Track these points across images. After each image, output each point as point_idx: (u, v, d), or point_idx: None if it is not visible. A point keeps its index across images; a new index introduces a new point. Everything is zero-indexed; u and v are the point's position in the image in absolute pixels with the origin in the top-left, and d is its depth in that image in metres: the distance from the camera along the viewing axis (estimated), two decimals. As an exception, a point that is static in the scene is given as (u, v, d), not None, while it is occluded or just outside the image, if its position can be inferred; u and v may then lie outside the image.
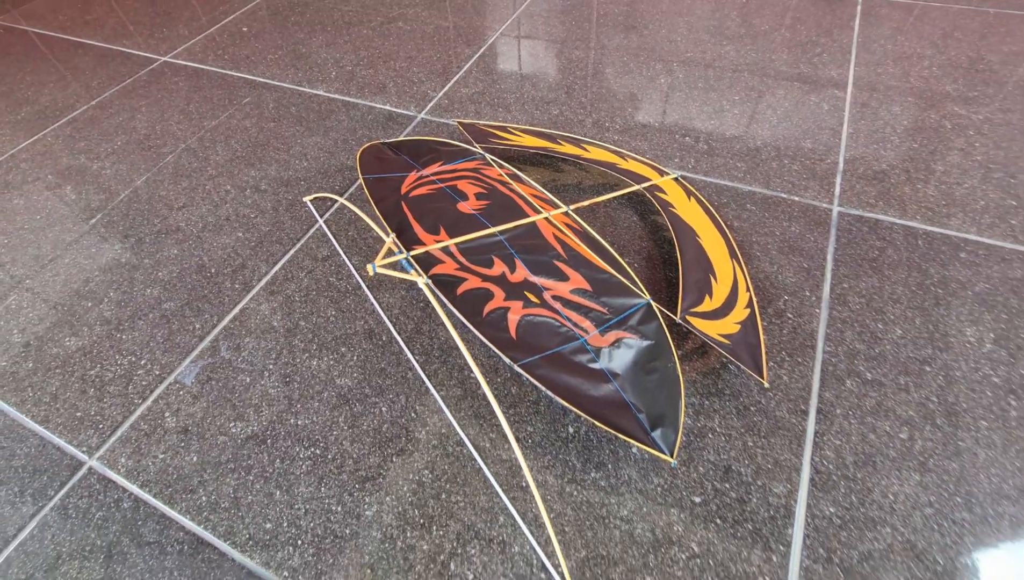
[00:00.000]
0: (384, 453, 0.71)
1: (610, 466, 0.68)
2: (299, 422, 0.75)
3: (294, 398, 0.77)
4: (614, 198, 1.00)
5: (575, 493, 0.66)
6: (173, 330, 0.87)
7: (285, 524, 0.66)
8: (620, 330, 0.70)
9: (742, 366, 0.70)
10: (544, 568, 0.60)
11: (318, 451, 0.72)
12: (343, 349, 0.82)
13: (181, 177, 1.14)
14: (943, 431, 0.68)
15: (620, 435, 0.59)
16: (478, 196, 0.90)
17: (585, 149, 1.07)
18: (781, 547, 0.61)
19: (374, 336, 0.83)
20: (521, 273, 0.77)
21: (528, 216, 0.86)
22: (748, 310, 0.77)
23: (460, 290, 0.71)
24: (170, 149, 1.21)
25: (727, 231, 0.91)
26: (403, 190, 0.91)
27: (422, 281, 0.69)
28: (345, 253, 0.95)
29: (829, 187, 0.99)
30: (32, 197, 1.13)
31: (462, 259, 0.77)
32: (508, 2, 1.65)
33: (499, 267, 0.76)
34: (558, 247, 0.82)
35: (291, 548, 0.64)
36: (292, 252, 0.97)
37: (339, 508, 0.67)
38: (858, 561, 0.59)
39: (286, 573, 0.62)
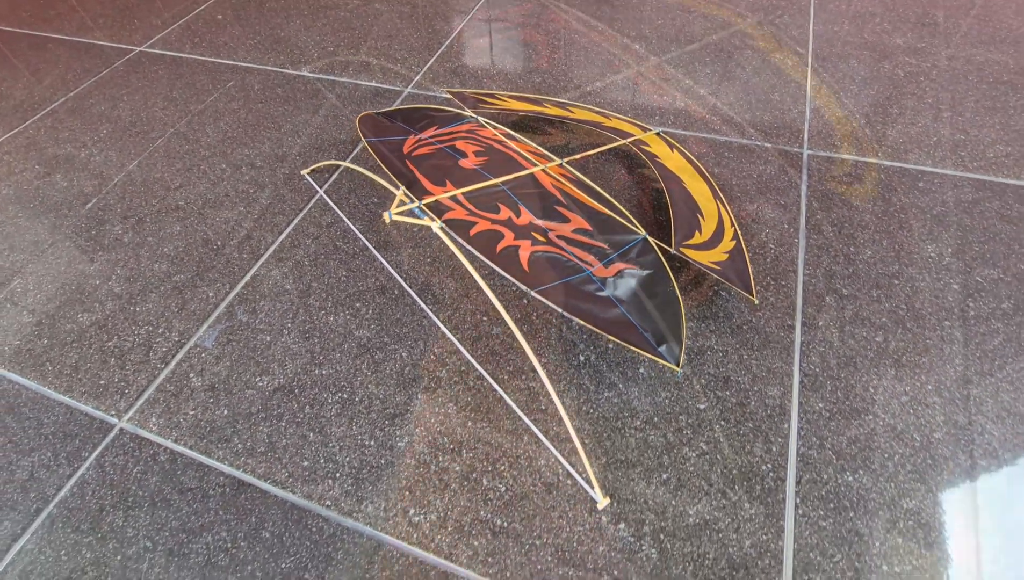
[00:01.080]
0: (409, 392, 0.75)
1: (621, 386, 0.74)
2: (323, 372, 0.78)
3: (316, 351, 0.81)
4: (603, 152, 1.06)
5: (591, 411, 0.72)
6: (186, 300, 0.89)
7: (322, 461, 0.70)
8: (621, 262, 0.76)
9: (733, 287, 0.77)
10: (570, 475, 0.66)
11: (345, 395, 0.76)
12: (358, 305, 0.86)
13: (174, 159, 1.15)
14: (912, 332, 0.76)
15: (632, 348, 0.65)
16: (477, 153, 0.94)
17: (570, 111, 1.13)
18: (779, 439, 0.68)
19: (386, 291, 0.87)
20: (526, 217, 0.82)
21: (526, 169, 0.91)
22: (734, 242, 0.84)
23: (472, 232, 0.75)
24: (158, 134, 1.22)
25: (709, 177, 0.97)
26: (405, 151, 0.95)
27: (437, 225, 0.73)
28: (348, 218, 0.98)
29: (798, 133, 1.07)
30: (22, 187, 1.12)
31: (470, 206, 0.82)
32: (481, -19, 1.69)
33: (505, 212, 0.81)
34: (557, 194, 0.87)
35: (330, 481, 0.68)
36: (296, 221, 1.00)
37: (372, 442, 0.71)
38: (847, 444, 0.67)
39: (328, 502, 0.66)
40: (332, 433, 0.72)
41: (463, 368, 0.77)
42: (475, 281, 0.87)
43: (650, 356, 0.64)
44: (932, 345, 0.75)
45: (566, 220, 0.82)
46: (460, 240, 0.72)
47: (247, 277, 0.91)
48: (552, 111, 1.12)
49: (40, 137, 1.24)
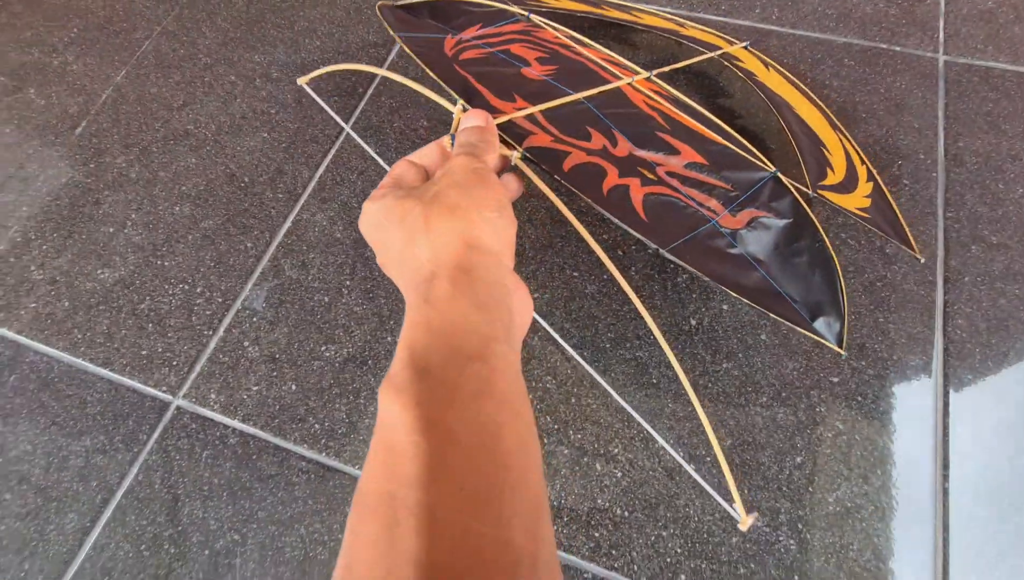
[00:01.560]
0: (499, 363, 0.67)
1: (740, 355, 0.65)
2: (396, 339, 0.69)
3: (383, 314, 0.71)
4: (692, 64, 0.88)
5: (709, 385, 0.64)
6: (222, 252, 0.77)
7: (412, 444, 0.63)
8: (752, 208, 0.63)
9: (892, 240, 0.65)
10: (694, 459, 0.60)
11: (426, 367, 0.67)
12: (424, 257, 0.74)
13: (170, 69, 0.95)
14: (1073, 289, 0.67)
15: (785, 322, 0.55)
16: (541, 60, 0.75)
17: (636, 15, 0.91)
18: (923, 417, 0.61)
19: (455, 240, 0.75)
20: (624, 146, 0.66)
21: (609, 82, 0.73)
22: (871, 183, 0.71)
23: (567, 166, 0.59)
24: (144, 34, 1.00)
25: (818, 101, 0.81)
26: (449, 54, 0.74)
27: (516, 155, 0.55)
28: (393, 150, 0.83)
29: (932, 32, 0.88)
30: (-10, 106, 0.93)
31: (553, 129, 0.63)
32: None
33: (599, 139, 0.65)
34: (656, 116, 0.71)
35: (425, 466, 0.61)
36: (334, 151, 0.84)
37: (466, 422, 0.64)
38: (997, 424, 0.60)
39: (427, 490, 0.60)
40: (419, 412, 0.64)
41: (552, 348, 0.68)
42: (557, 229, 0.75)
43: (805, 332, 0.55)
44: (1095, 305, 0.66)
45: (675, 151, 0.67)
46: (555, 175, 0.56)
47: (287, 223, 0.78)
48: (613, 14, 0.90)
49: (-2, 39, 1.01)
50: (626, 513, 0.58)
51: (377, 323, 0.70)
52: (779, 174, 0.65)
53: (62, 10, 1.05)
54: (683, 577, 0.55)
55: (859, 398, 0.62)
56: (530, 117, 0.64)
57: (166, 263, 0.76)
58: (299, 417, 0.65)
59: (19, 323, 0.73)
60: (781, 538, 0.56)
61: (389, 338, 0.69)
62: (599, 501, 0.59)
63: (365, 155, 0.83)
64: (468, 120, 0.44)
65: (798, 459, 0.59)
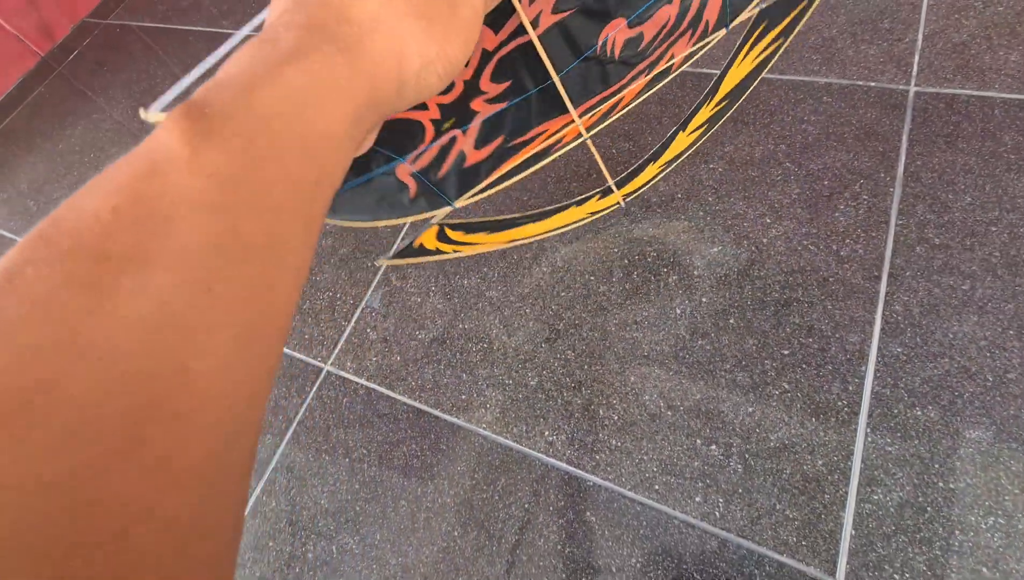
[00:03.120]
0: (534, 342, 0.94)
1: (713, 335, 0.87)
2: (465, 326, 1.00)
3: (457, 309, 1.02)
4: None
5: (685, 356, 0.87)
6: (352, 269, 1.13)
7: (475, 395, 0.92)
8: None
9: None
10: (671, 406, 0.83)
11: (485, 345, 0.97)
12: (485, 269, 1.05)
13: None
14: (1003, 280, 0.81)
15: None
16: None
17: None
18: (856, 379, 0.79)
19: (507, 257, 1.05)
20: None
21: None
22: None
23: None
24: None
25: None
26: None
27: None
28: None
29: (906, 68, 1.04)
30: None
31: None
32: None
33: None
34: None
35: (483, 410, 0.91)
36: (424, 196, 1.18)
37: (510, 382, 0.92)
38: (919, 384, 0.77)
39: (483, 426, 0.89)
40: (479, 374, 0.94)
41: (576, 322, 0.94)
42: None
43: None
44: (1021, 292, 0.79)
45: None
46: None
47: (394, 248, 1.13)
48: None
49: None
50: (619, 444, 0.83)
51: (452, 315, 1.01)
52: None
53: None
54: (657, 486, 0.78)
55: (803, 366, 0.82)
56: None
57: (318, 278, 1.14)
58: (401, 378, 0.98)
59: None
60: (731, 463, 0.78)
61: (460, 326, 1.00)
62: (601, 435, 0.84)
63: (445, 198, 1.16)
64: None
65: (750, 409, 0.80)
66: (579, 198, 0.85)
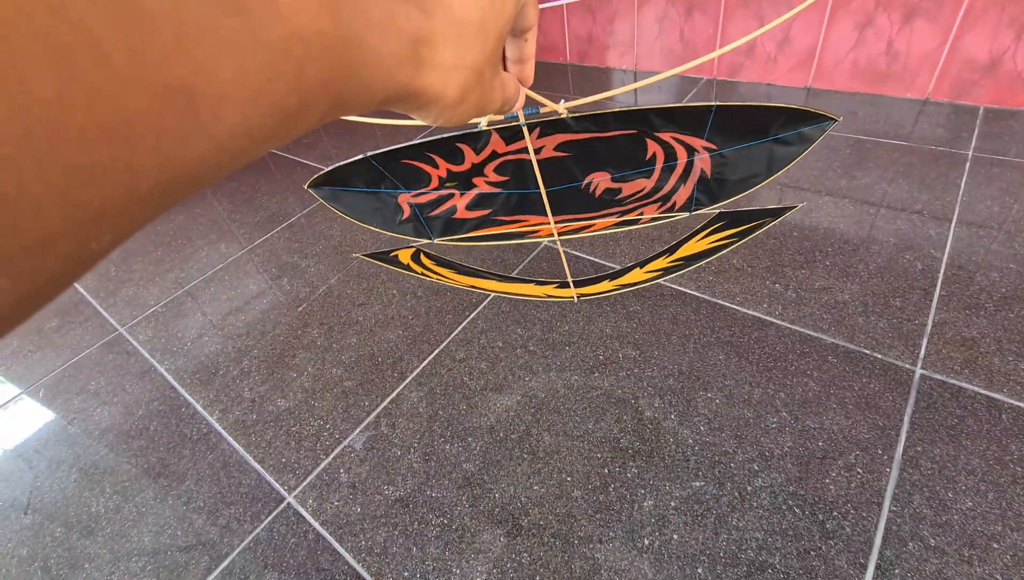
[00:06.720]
0: (494, 531, 0.91)
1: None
2: (433, 494, 0.98)
3: (431, 474, 1.01)
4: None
5: None
6: (350, 404, 1.17)
7: (418, 576, 0.88)
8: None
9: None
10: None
11: (445, 521, 0.94)
12: (469, 439, 1.06)
13: (362, 279, 1.51)
14: (1005, 611, 0.73)
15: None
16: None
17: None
18: None
19: (494, 432, 1.06)
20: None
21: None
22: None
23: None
24: (355, 257, 1.60)
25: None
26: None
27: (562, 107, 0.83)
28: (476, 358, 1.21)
29: (914, 349, 1.07)
30: (260, 284, 1.56)
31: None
32: None
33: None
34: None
35: (421, 595, 0.85)
36: (436, 352, 1.25)
37: (457, 572, 0.87)
38: None
39: (416, 614, 0.83)
40: (429, 553, 0.90)
41: (541, 522, 0.91)
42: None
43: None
44: (1026, 633, 0.71)
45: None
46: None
47: (393, 394, 1.17)
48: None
49: (279, 245, 1.71)
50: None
51: (424, 479, 1.01)
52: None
53: (318, 234, 1.73)
54: None
55: (768, 650, 0.73)
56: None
57: (316, 403, 1.19)
58: (354, 532, 0.95)
59: (226, 424, 1.18)
60: None
61: (428, 492, 0.98)
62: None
63: (455, 358, 1.22)
64: None
65: None
66: (541, 280, 0.89)
